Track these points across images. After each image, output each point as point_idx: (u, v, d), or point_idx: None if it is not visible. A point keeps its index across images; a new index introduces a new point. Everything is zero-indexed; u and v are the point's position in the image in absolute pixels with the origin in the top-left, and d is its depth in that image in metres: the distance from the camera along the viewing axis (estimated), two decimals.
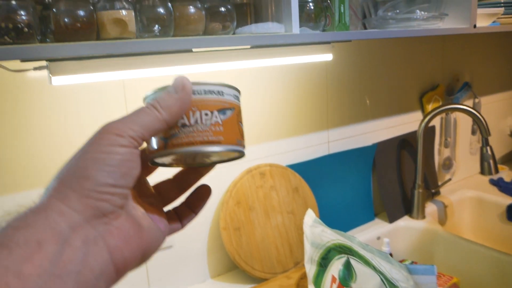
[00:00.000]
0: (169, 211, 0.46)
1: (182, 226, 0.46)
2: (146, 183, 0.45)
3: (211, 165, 0.46)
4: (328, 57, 0.97)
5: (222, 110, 0.41)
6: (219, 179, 1.15)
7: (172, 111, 0.38)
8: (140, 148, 0.37)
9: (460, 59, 1.78)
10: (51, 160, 0.90)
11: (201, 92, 0.40)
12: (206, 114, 0.40)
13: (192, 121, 0.40)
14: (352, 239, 0.80)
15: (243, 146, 0.44)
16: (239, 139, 0.43)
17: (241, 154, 0.44)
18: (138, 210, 0.40)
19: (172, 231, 0.44)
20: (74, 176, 0.34)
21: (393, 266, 0.75)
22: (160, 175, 0.47)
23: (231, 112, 0.42)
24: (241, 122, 0.44)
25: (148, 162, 0.42)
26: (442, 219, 1.63)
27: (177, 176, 0.47)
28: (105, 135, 0.35)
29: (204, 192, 0.46)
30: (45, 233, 0.31)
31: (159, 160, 0.42)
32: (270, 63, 0.90)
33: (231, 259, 1.14)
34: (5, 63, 0.72)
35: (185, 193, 0.47)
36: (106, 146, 0.35)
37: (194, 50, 0.78)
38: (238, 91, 0.44)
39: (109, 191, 0.34)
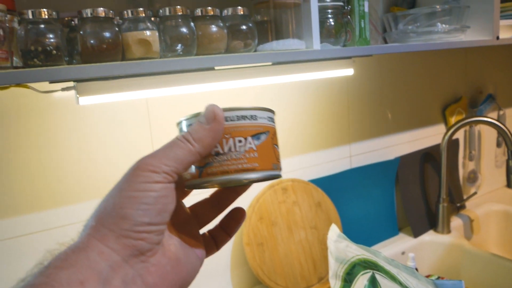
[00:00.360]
0: (204, 234, 0.46)
1: (217, 249, 0.46)
2: (182, 206, 0.45)
3: (248, 184, 0.45)
4: (349, 72, 0.97)
5: (256, 135, 0.40)
6: (242, 194, 1.15)
7: (205, 143, 0.38)
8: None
9: (483, 71, 1.76)
10: (77, 179, 0.92)
11: (234, 118, 0.39)
12: (240, 141, 0.39)
13: (226, 149, 0.39)
14: (378, 254, 0.79)
15: (279, 169, 0.43)
16: (275, 163, 0.42)
17: (277, 177, 0.43)
18: (174, 240, 0.40)
19: (207, 255, 0.44)
20: (111, 216, 0.35)
21: (420, 281, 0.74)
22: (196, 194, 0.47)
23: (265, 136, 0.41)
24: (276, 144, 0.43)
25: (184, 188, 0.42)
26: (468, 234, 1.60)
27: (213, 196, 0.47)
28: (139, 172, 0.35)
29: (239, 215, 0.46)
30: (87, 273, 0.32)
31: (194, 186, 0.42)
32: (292, 79, 0.90)
33: (255, 275, 1.14)
34: (34, 85, 0.75)
35: (221, 214, 0.47)
36: (141, 183, 0.35)
37: (216, 68, 0.79)
38: (273, 112, 0.43)
39: (146, 230, 0.35)
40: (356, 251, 0.80)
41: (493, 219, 1.69)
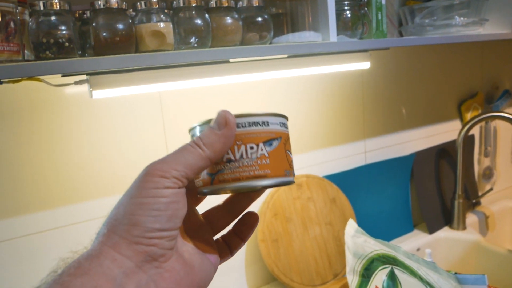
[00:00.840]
0: (218, 240, 0.45)
1: (232, 255, 0.45)
2: (196, 213, 0.44)
3: (261, 189, 0.43)
4: (365, 65, 0.93)
5: (268, 142, 0.39)
6: (256, 200, 1.12)
7: (215, 148, 0.37)
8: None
9: (499, 66, 1.71)
10: (89, 175, 0.89)
11: (245, 125, 0.38)
12: (252, 148, 0.38)
13: (238, 156, 0.38)
14: (397, 249, 0.76)
15: (292, 175, 0.41)
16: (287, 169, 0.40)
17: (290, 183, 0.41)
18: (188, 246, 0.39)
19: (222, 261, 0.43)
20: (122, 223, 0.34)
21: (441, 276, 0.71)
22: (210, 201, 0.46)
23: (277, 142, 0.39)
24: (289, 150, 0.41)
25: (197, 195, 0.42)
26: (483, 230, 1.56)
27: (227, 202, 0.45)
28: (149, 177, 0.34)
29: (252, 220, 0.45)
30: (101, 279, 0.32)
31: (207, 193, 0.41)
32: (307, 72, 0.87)
33: (270, 271, 1.11)
34: (46, 78, 0.72)
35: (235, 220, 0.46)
36: (151, 189, 0.34)
37: (231, 60, 0.76)
38: (285, 117, 0.41)
39: (157, 236, 0.34)
40: (374, 246, 0.77)
41: (509, 215, 1.65)
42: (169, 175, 0.34)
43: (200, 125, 0.40)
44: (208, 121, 0.39)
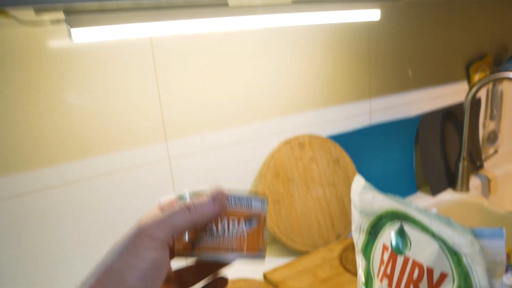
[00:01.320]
0: None
1: None
2: (170, 269, 0.45)
3: (233, 259, 0.45)
4: (375, 13, 0.83)
5: (248, 220, 0.42)
6: (256, 150, 1.03)
7: (203, 218, 0.39)
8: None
9: (510, 28, 1.59)
10: (74, 132, 0.81)
11: (231, 203, 0.42)
12: (234, 224, 0.41)
13: (220, 229, 0.41)
14: (408, 205, 0.69)
15: (264, 252, 0.44)
16: (261, 247, 0.43)
17: (261, 259, 0.44)
18: None
19: None
20: (110, 280, 0.35)
21: (456, 230, 0.63)
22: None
23: (256, 222, 0.43)
24: (265, 228, 0.44)
25: (175, 255, 0.43)
26: (486, 193, 1.49)
27: (199, 264, 0.47)
28: (139, 238, 0.36)
29: (221, 285, 0.47)
30: None
31: (185, 256, 0.43)
32: (313, 19, 0.76)
33: (271, 233, 1.03)
34: (17, 14, 0.62)
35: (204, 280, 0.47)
36: (140, 250, 0.36)
37: (230, 4, 0.66)
38: (266, 199, 0.45)
39: None
40: (383, 202, 0.69)
41: (511, 179, 1.57)
42: (157, 236, 0.36)
43: (192, 193, 0.42)
44: (199, 192, 0.41)
